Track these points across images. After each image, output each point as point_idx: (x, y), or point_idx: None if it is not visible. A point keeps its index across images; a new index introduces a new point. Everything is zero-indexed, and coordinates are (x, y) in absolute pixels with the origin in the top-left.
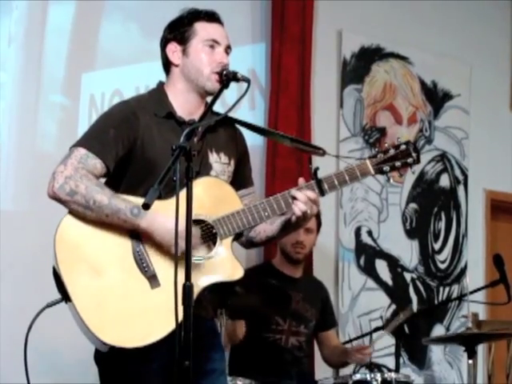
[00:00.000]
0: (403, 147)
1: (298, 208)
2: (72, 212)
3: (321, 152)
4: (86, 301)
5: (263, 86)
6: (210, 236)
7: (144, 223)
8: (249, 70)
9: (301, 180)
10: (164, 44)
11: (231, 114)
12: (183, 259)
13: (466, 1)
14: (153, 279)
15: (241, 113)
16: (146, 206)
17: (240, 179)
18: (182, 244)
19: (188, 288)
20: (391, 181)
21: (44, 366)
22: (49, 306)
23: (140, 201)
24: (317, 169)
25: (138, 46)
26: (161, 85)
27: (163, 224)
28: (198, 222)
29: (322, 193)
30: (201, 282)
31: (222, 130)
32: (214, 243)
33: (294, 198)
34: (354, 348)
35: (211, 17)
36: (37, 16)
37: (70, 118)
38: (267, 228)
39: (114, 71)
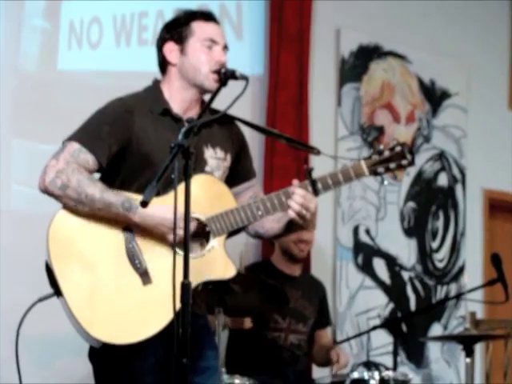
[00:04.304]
0: (398, 149)
1: (292, 209)
2: (65, 207)
3: (315, 151)
4: (78, 296)
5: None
6: (203, 234)
7: (136, 217)
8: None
9: (295, 181)
10: (161, 44)
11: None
12: (176, 255)
13: (464, 0)
14: (145, 276)
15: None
16: (144, 204)
17: (242, 172)
18: (178, 232)
19: (186, 286)
20: (385, 182)
21: (37, 362)
22: (41, 300)
23: (135, 196)
24: (311, 169)
25: None
26: (156, 82)
27: (155, 214)
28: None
29: (316, 192)
30: (193, 279)
31: (218, 125)
32: (207, 241)
33: (288, 197)
34: (334, 353)
35: (208, 16)
36: None
37: (51, 41)
38: (275, 226)
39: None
